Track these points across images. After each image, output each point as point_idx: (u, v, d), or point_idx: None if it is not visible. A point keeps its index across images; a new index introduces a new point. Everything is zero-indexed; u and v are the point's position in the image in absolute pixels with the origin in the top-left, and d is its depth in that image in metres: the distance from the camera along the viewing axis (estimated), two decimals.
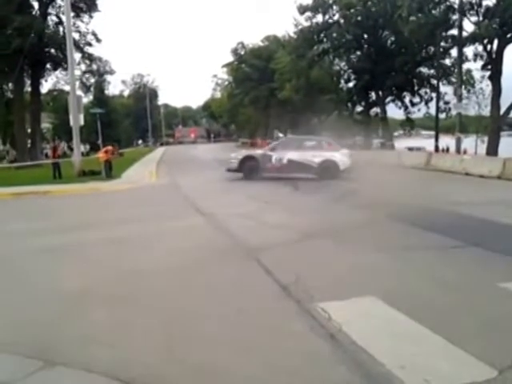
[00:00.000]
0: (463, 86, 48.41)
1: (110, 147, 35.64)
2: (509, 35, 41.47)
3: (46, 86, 62.93)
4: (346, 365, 5.41)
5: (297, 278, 8.47)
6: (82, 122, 34.13)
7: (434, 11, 45.73)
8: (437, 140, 48.34)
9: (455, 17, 43.58)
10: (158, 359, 5.69)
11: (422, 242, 11.58)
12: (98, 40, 55.04)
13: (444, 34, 47.22)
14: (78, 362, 5.61)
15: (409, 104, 62.91)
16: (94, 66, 60.32)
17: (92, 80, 65.59)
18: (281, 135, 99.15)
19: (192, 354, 5.83)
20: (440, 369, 5.21)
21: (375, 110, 65.27)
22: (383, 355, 5.50)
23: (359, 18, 55.69)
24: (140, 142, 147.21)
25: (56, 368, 5.55)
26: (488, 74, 45.55)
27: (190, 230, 13.99)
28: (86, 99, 77.18)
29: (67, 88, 46.72)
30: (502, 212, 15.18)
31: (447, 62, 55.78)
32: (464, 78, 49.52)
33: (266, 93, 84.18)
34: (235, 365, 5.51)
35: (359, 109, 70.15)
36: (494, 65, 43.03)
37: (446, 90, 56.53)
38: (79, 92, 46.57)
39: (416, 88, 61.35)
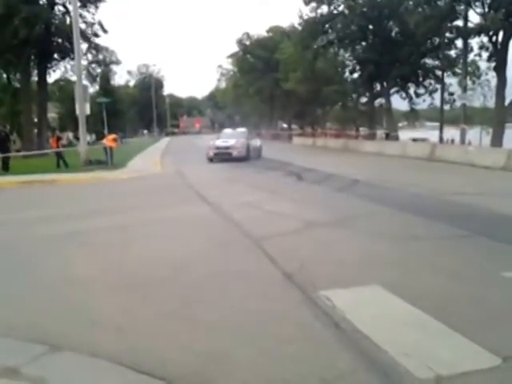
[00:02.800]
0: (468, 78, 48.29)
1: (115, 135, 35.92)
2: None
3: (53, 76, 62.93)
4: (351, 352, 5.44)
5: (301, 266, 8.53)
6: (88, 112, 34.20)
7: (439, 2, 45.60)
8: (441, 131, 48.25)
9: (461, 7, 43.40)
10: (162, 345, 5.75)
11: (427, 231, 11.61)
12: (105, 31, 55.03)
13: (449, 25, 46.99)
14: (83, 347, 5.67)
15: (413, 95, 62.66)
16: (101, 56, 60.47)
17: (98, 70, 65.79)
18: (285, 126, 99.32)
19: (196, 340, 5.88)
20: (444, 356, 5.23)
21: (380, 100, 65.03)
22: (387, 343, 5.54)
23: (364, 9, 55.45)
24: (145, 131, 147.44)
25: (62, 352, 5.61)
26: (493, 65, 45.35)
27: (195, 219, 14.06)
28: (92, 89, 77.22)
29: (74, 78, 46.77)
30: (506, 203, 15.16)
31: (452, 53, 55.55)
32: (469, 69, 49.39)
33: (270, 83, 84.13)
34: (239, 352, 5.55)
35: (364, 100, 70.06)
36: (499, 56, 42.85)
37: (451, 81, 56.36)
38: (85, 82, 46.68)
39: (421, 79, 60.98)
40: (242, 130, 43.37)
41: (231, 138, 37.34)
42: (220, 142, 36.48)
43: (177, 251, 10.23)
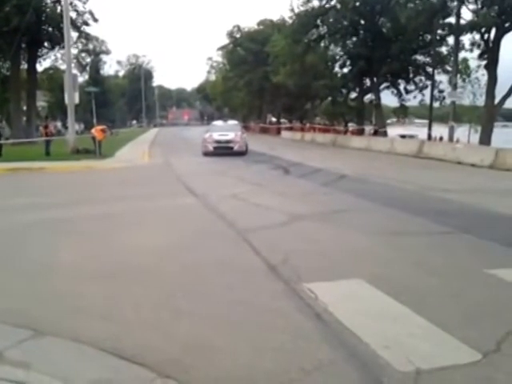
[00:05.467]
0: (459, 75, 48.27)
1: (104, 126, 35.94)
2: (507, 24, 41.11)
3: (43, 65, 62.47)
4: (331, 344, 5.49)
5: (285, 258, 8.58)
6: (77, 101, 34.14)
7: None
8: (430, 128, 48.24)
9: (453, 4, 43.38)
10: (146, 333, 5.78)
11: (412, 227, 11.67)
12: (95, 20, 54.66)
13: (441, 21, 46.93)
14: (67, 333, 5.70)
15: (403, 91, 62.66)
16: (91, 46, 60.10)
17: (88, 59, 65.40)
18: (274, 119, 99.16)
19: (180, 329, 5.92)
20: (424, 350, 5.28)
21: (369, 96, 64.98)
22: (368, 335, 5.59)
23: (357, 4, 55.32)
24: (134, 122, 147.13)
25: (46, 338, 5.65)
26: (484, 63, 45.35)
27: (181, 210, 14.09)
28: (82, 78, 76.84)
29: (63, 67, 46.53)
30: (492, 200, 15.25)
31: (443, 50, 55.54)
32: (460, 66, 49.37)
33: (260, 76, 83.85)
34: (220, 341, 5.59)
35: (353, 95, 69.95)
36: (490, 54, 42.73)
37: (441, 78, 56.32)
38: (75, 71, 46.30)
39: (411, 75, 60.95)
40: (233, 122, 42.45)
41: (226, 130, 36.19)
42: (218, 136, 34.81)
43: (162, 241, 10.25)
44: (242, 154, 34.06)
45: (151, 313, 6.40)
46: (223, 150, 33.73)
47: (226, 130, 36.32)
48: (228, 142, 34.45)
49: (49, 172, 25.33)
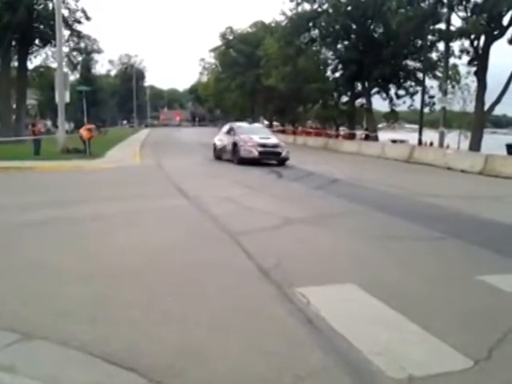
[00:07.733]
0: (448, 81, 48.47)
1: (92, 125, 35.81)
2: (496, 32, 41.43)
3: (34, 63, 62.26)
4: (323, 349, 5.45)
5: (278, 262, 8.54)
6: (67, 100, 34.05)
7: (422, 4, 45.80)
8: (420, 133, 48.33)
9: (443, 11, 43.60)
10: (136, 336, 5.71)
11: (403, 232, 11.70)
12: (88, 18, 54.53)
13: (432, 27, 47.16)
14: (55, 337, 5.63)
15: (394, 96, 62.87)
16: (82, 44, 59.82)
17: (79, 58, 65.09)
18: (266, 122, 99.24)
19: (171, 332, 5.86)
20: (416, 357, 5.26)
21: (360, 100, 65.16)
22: (360, 341, 5.56)
23: (348, 8, 55.50)
24: (125, 122, 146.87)
25: (33, 341, 5.56)
26: (474, 69, 45.56)
27: (172, 212, 14.02)
28: (73, 77, 76.64)
29: (54, 65, 46.41)
30: (482, 206, 15.40)
31: (433, 55, 55.74)
32: (450, 72, 49.56)
33: (252, 79, 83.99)
34: (213, 345, 5.54)
35: (345, 99, 70.11)
36: (479, 61, 42.98)
37: (432, 84, 56.56)
38: (66, 69, 46.11)
39: (402, 80, 61.23)
40: (259, 125, 39.95)
41: (264, 133, 31.70)
42: (261, 139, 29.28)
43: (153, 243, 10.17)
44: (286, 161, 29.69)
45: (142, 316, 6.33)
46: (270, 156, 29.41)
47: (263, 133, 31.88)
48: (275, 146, 29.70)
49: (38, 172, 25.18)
